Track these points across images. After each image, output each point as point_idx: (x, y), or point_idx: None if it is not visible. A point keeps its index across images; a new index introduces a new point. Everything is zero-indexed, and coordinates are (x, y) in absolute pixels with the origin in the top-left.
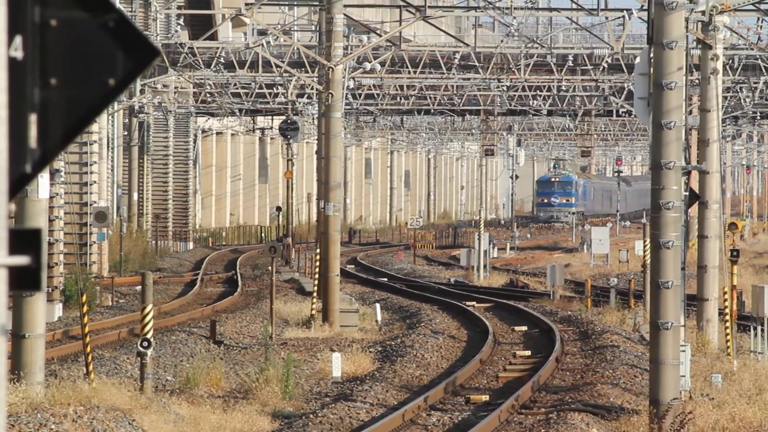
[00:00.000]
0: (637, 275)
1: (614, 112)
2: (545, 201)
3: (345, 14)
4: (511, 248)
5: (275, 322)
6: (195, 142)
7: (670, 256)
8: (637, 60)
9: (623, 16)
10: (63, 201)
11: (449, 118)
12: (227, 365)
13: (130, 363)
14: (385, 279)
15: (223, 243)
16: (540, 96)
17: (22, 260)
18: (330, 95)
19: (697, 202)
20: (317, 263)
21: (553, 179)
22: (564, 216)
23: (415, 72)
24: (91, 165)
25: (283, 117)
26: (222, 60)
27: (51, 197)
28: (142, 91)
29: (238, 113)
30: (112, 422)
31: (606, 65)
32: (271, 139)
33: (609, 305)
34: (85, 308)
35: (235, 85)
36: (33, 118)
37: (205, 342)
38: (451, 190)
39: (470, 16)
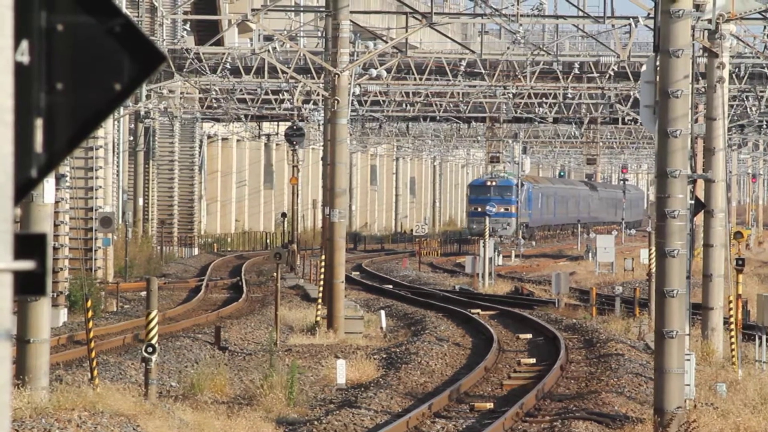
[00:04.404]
0: (642, 283)
1: (620, 119)
2: (479, 210)
3: (351, 20)
4: (516, 256)
5: (280, 329)
6: (200, 147)
7: (675, 264)
8: (643, 68)
9: (629, 24)
10: (68, 206)
11: (455, 125)
12: (232, 371)
13: (134, 368)
14: (390, 286)
15: (228, 249)
16: (546, 103)
17: (27, 265)
18: (336, 101)
19: (702, 211)
20: (322, 270)
21: (488, 183)
22: (502, 228)
23: (420, 79)
24: (96, 170)
25: (289, 123)
26: (228, 66)
27: (56, 202)
28: (147, 97)
29: (243, 119)
30: (116, 428)
31: (612, 73)
32: (277, 145)
33: (614, 313)
34: (90, 313)
35: (240, 90)
36: (39, 123)
37: (209, 348)
38: (456, 197)
39: (476, 23)
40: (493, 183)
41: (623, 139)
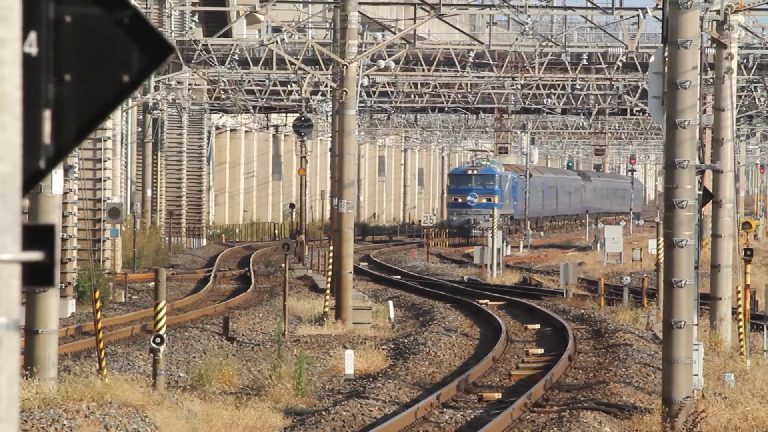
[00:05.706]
0: (651, 274)
1: (628, 110)
2: (459, 201)
3: (359, 12)
4: (525, 246)
5: (288, 319)
6: (209, 138)
7: (683, 254)
8: (652, 59)
9: (638, 15)
10: (77, 197)
11: (463, 116)
12: (240, 362)
13: (142, 359)
14: (398, 277)
15: (236, 240)
16: (554, 94)
17: (35, 256)
18: (344, 93)
19: (710, 201)
20: (330, 260)
21: (469, 172)
22: (484, 220)
23: (429, 70)
24: (104, 161)
25: (297, 114)
26: (236, 57)
27: (65, 193)
28: (156, 88)
29: (252, 110)
30: (124, 418)
31: (620, 64)
32: (285, 136)
33: (622, 304)
34: (98, 304)
35: (249, 82)
36: (47, 114)
37: (217, 338)
38: None
39: (485, 14)
40: (475, 172)
41: (631, 130)
